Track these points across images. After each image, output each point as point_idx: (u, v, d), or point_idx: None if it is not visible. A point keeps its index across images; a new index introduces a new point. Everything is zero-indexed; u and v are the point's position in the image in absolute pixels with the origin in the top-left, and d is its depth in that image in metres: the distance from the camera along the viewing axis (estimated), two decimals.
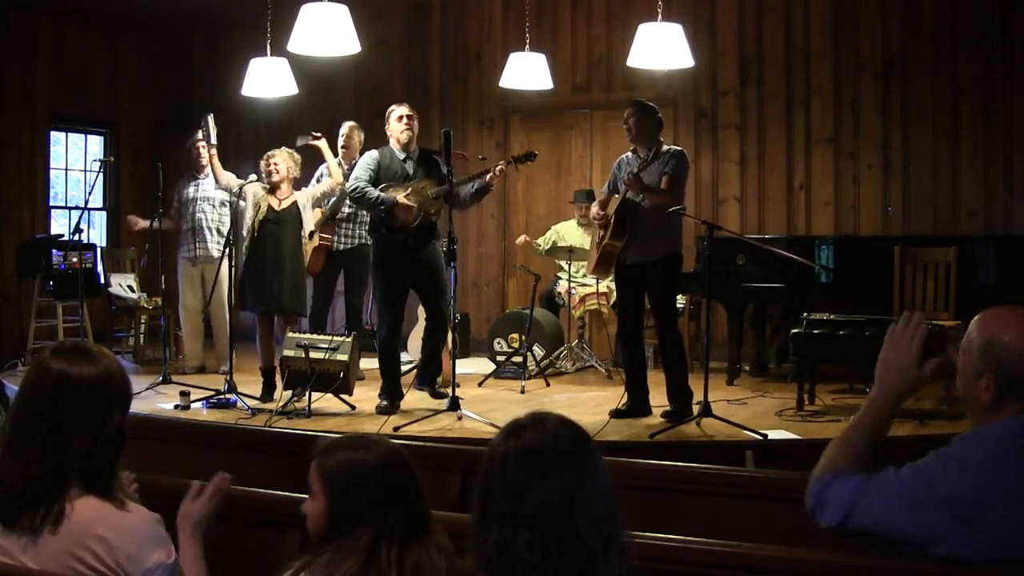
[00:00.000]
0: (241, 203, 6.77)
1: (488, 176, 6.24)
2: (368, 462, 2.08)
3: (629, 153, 6.15)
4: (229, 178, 7.18)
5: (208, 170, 7.85)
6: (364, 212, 7.43)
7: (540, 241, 8.47)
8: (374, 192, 6.19)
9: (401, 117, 6.37)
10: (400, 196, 6.14)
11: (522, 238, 8.60)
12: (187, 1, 9.79)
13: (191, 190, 8.07)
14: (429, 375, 6.47)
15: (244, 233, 6.63)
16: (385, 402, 6.21)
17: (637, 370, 6.00)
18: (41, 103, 9.81)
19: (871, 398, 2.27)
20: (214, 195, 7.96)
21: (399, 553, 2.00)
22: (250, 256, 6.55)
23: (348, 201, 7.06)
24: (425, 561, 2.01)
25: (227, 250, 6.69)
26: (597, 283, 7.89)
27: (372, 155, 6.39)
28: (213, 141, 7.12)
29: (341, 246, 7.49)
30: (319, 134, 7.18)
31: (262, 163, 6.67)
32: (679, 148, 6.13)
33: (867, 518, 2.15)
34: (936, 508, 2.08)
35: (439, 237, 6.39)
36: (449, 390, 5.95)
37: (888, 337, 2.27)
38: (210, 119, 7.09)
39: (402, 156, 6.34)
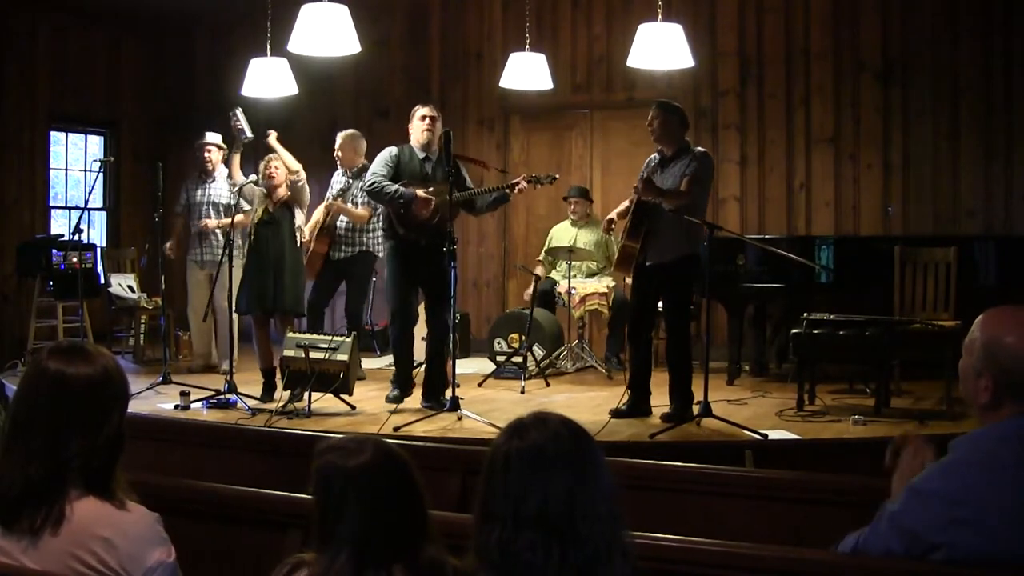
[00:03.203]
0: (243, 203, 6.76)
1: (507, 191, 6.30)
2: (350, 471, 1.95)
3: (655, 154, 6.10)
4: (242, 180, 7.14)
5: (216, 173, 7.85)
6: (369, 223, 7.52)
7: (541, 257, 8.49)
8: (392, 186, 6.18)
9: (424, 117, 6.32)
10: (421, 193, 6.14)
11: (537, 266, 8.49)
12: (187, 1, 9.79)
13: (199, 193, 8.03)
14: (434, 390, 6.23)
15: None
16: (396, 391, 6.32)
17: (638, 369, 6.00)
18: (41, 103, 9.80)
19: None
20: (221, 199, 7.94)
21: (388, 574, 1.89)
22: (248, 259, 6.57)
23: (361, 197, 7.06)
24: None
25: (226, 250, 6.69)
26: (615, 283, 7.91)
27: (391, 151, 6.37)
28: (248, 135, 6.97)
29: (341, 255, 7.47)
30: (273, 132, 6.98)
31: (261, 166, 6.67)
32: (704, 150, 6.09)
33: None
34: (935, 514, 2.08)
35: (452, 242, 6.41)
36: (449, 392, 5.96)
37: (902, 460, 2.38)
38: (240, 112, 6.98)
39: (421, 156, 6.32)
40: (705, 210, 5.99)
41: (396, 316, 6.40)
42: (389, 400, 6.15)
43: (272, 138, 6.85)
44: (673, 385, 5.93)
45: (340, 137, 7.65)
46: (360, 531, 1.91)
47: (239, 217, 7.09)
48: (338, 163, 7.65)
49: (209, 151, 7.89)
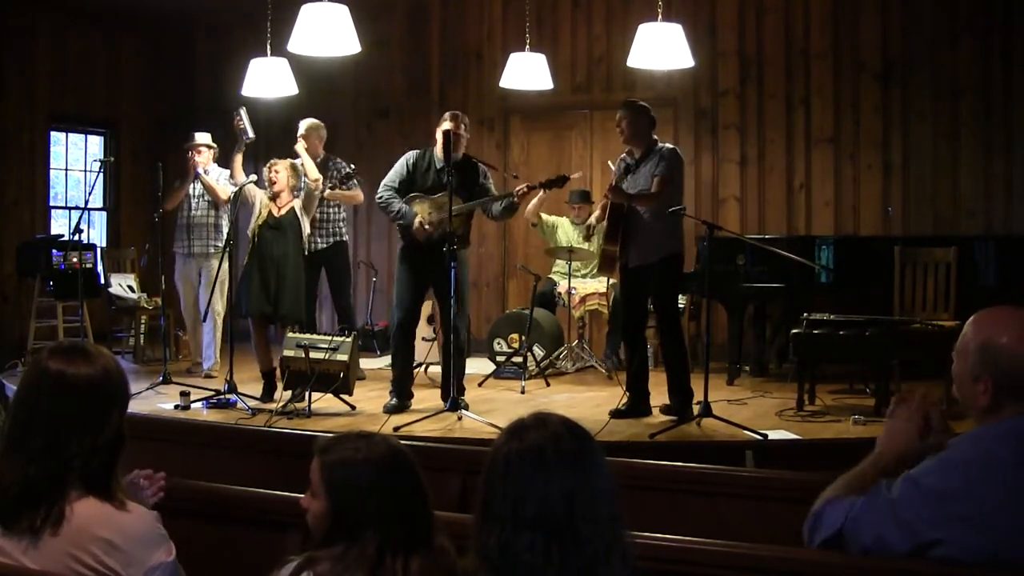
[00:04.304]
0: (249, 198, 6.73)
1: (515, 197, 6.22)
2: (370, 462, 2.03)
3: (625, 155, 6.15)
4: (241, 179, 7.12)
5: (208, 168, 7.78)
6: (338, 211, 7.67)
7: (543, 217, 8.36)
8: (396, 205, 6.19)
9: (447, 132, 6.14)
10: (418, 218, 6.13)
11: (533, 205, 8.21)
12: (187, 1, 9.79)
13: (191, 185, 7.96)
14: (448, 392, 5.99)
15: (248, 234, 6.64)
16: (393, 401, 6.21)
17: (637, 370, 6.01)
18: (41, 103, 9.80)
19: (875, 458, 2.30)
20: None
21: (404, 563, 1.95)
22: (249, 261, 6.56)
23: (322, 199, 7.22)
24: (430, 568, 1.96)
25: (227, 250, 6.68)
26: (608, 283, 7.90)
27: (408, 158, 6.36)
28: (251, 135, 6.94)
29: (318, 246, 7.46)
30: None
31: (264, 170, 6.67)
32: (671, 147, 6.09)
33: (859, 536, 2.16)
34: (934, 510, 2.08)
35: (468, 245, 6.42)
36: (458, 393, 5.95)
37: (894, 412, 2.35)
38: (244, 112, 6.94)
39: (440, 164, 6.21)
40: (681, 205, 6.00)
41: (394, 312, 6.41)
42: (385, 410, 6.09)
43: (299, 146, 6.96)
44: (672, 383, 5.95)
45: (303, 126, 7.45)
46: (384, 519, 1.96)
47: (219, 190, 7.48)
48: (303, 152, 7.53)
49: (200, 152, 7.82)
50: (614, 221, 5.96)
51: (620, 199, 5.90)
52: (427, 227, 6.12)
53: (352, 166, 7.63)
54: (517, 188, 6.24)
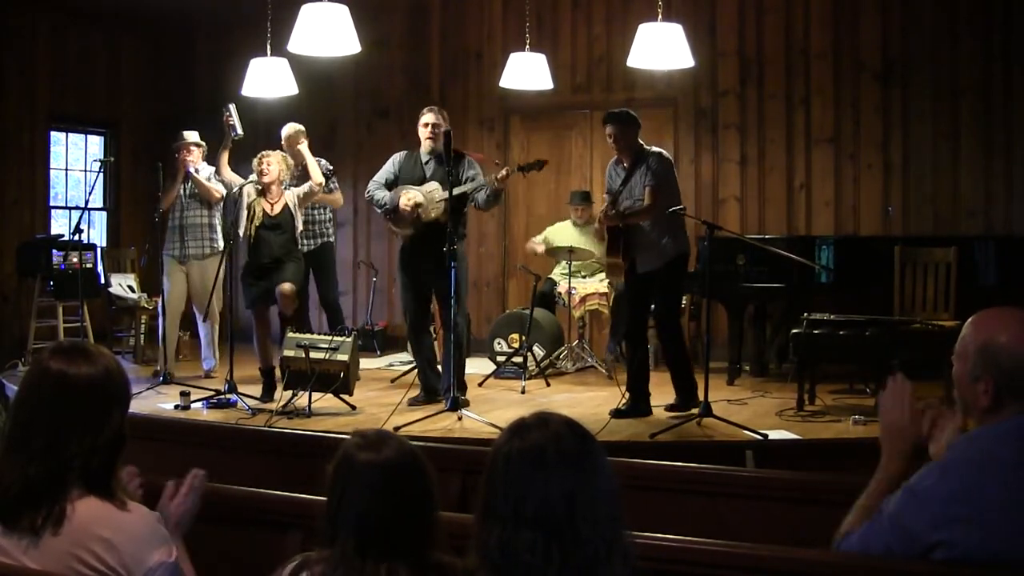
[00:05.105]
0: (243, 198, 6.71)
1: (496, 182, 6.22)
2: (364, 463, 1.95)
3: (613, 162, 6.24)
4: (233, 178, 7.10)
5: (199, 167, 7.71)
6: (323, 212, 7.74)
7: (546, 236, 8.49)
8: (379, 194, 6.38)
9: (426, 125, 6.36)
10: (403, 198, 6.25)
11: (533, 245, 8.53)
12: (187, 1, 9.79)
13: (183, 186, 7.84)
14: (453, 394, 5.91)
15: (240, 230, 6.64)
16: (421, 394, 6.38)
17: (637, 370, 6.03)
18: (41, 103, 9.79)
19: (882, 465, 2.28)
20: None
21: (391, 569, 1.88)
22: (249, 260, 6.57)
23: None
24: None
25: (226, 250, 6.68)
26: (610, 284, 7.91)
27: (395, 156, 6.55)
28: (239, 132, 6.95)
29: (305, 248, 7.43)
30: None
31: (255, 161, 6.63)
32: (657, 151, 6.14)
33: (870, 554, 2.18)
34: (934, 512, 2.08)
35: (464, 237, 6.44)
36: (457, 390, 5.98)
37: (881, 404, 2.31)
38: (233, 108, 6.95)
39: (425, 159, 6.40)
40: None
41: (405, 317, 6.58)
42: (411, 404, 6.17)
43: (303, 145, 6.95)
44: (676, 379, 6.02)
45: (287, 131, 7.38)
46: (359, 522, 1.91)
47: (211, 188, 7.45)
48: (308, 154, 7.49)
49: (190, 151, 7.74)
50: (614, 236, 6.08)
51: (620, 221, 6.01)
52: (404, 208, 6.23)
53: (330, 167, 7.52)
54: (497, 175, 6.24)
